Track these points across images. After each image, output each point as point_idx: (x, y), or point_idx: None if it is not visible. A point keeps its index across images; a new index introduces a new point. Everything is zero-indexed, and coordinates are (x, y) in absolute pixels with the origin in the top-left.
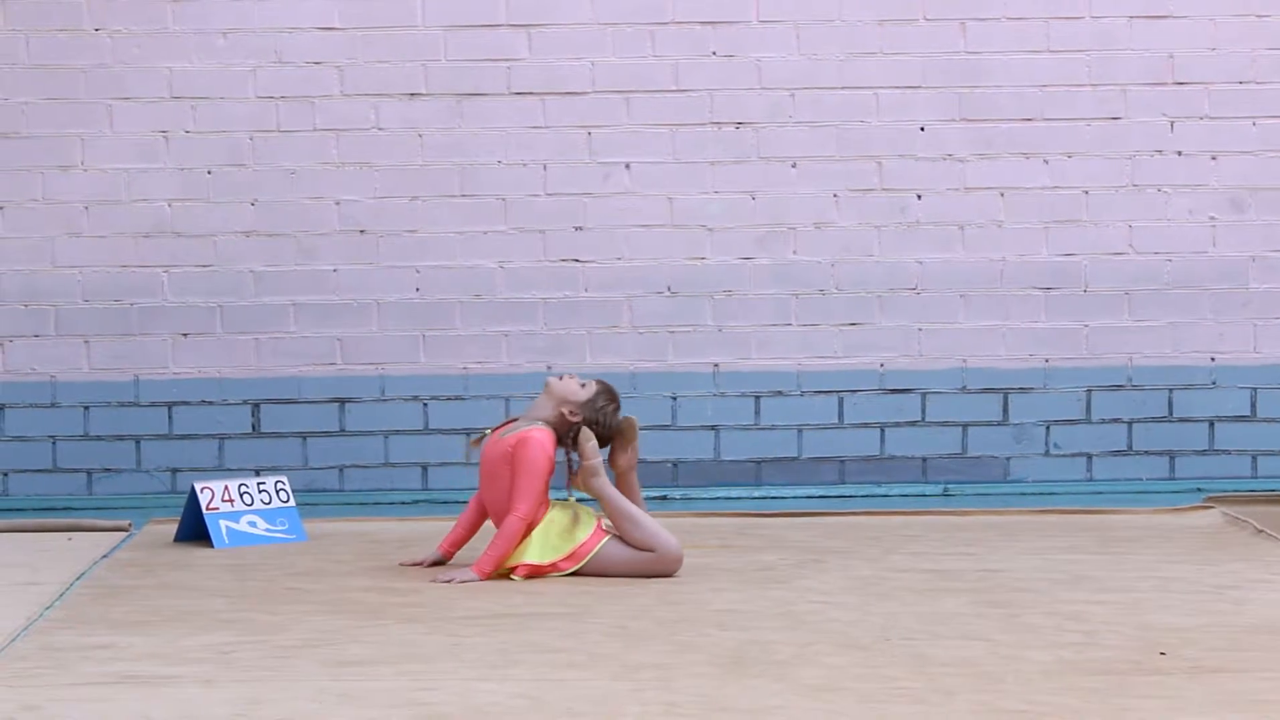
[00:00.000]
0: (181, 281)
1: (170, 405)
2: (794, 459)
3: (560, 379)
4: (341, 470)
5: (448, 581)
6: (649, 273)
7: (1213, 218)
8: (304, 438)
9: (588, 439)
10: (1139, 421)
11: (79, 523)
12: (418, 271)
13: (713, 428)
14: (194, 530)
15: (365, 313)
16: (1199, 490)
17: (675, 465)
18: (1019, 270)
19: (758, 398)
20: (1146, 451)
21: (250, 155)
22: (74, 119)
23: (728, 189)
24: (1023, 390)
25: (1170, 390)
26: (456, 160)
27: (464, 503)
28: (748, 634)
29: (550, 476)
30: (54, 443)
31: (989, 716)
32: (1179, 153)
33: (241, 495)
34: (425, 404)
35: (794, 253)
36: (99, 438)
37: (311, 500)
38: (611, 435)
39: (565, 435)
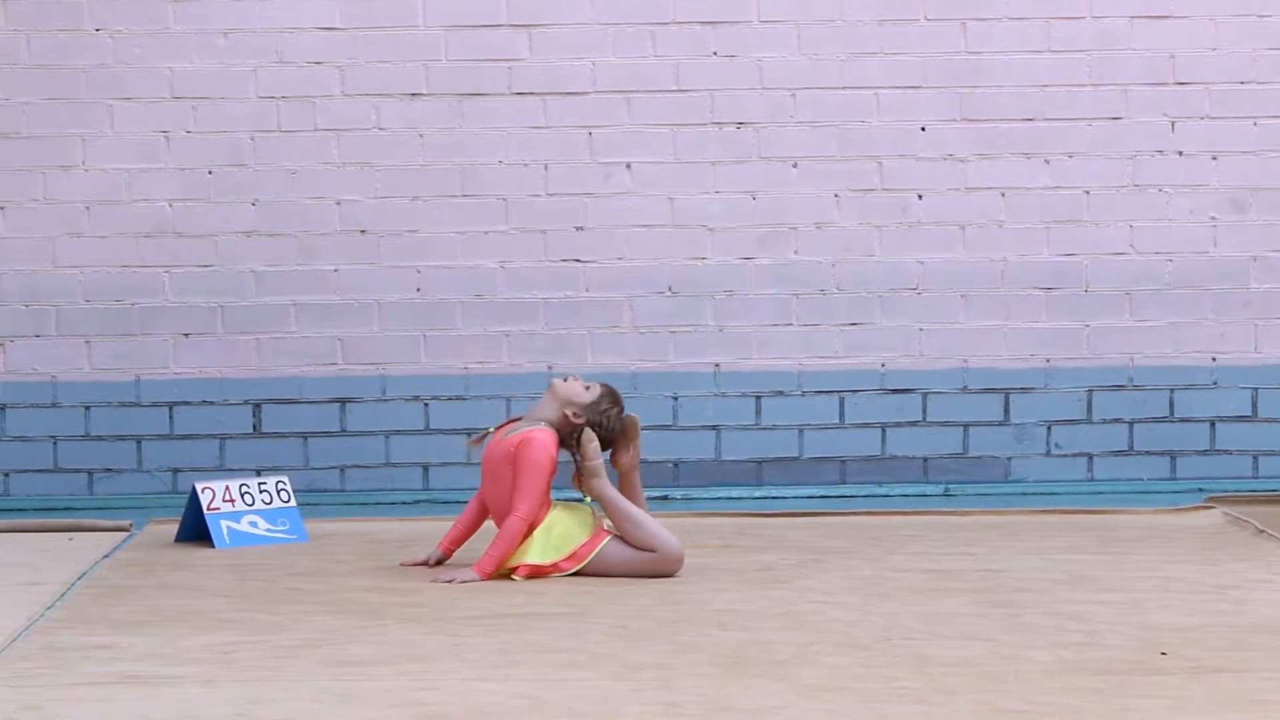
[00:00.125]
0: (182, 281)
1: (171, 405)
2: (795, 459)
3: (565, 380)
4: (342, 470)
5: (448, 581)
6: (650, 273)
7: (1214, 218)
8: (305, 438)
9: (590, 440)
10: (1140, 421)
11: (80, 523)
12: (419, 271)
13: (714, 428)
14: (195, 530)
15: (366, 313)
16: (1200, 490)
17: (676, 465)
18: (1020, 270)
19: (759, 398)
20: (1148, 451)
21: (251, 155)
22: (75, 119)
23: (729, 189)
24: (1024, 390)
25: (1171, 390)
26: (457, 160)
27: (465, 503)
28: (748, 634)
29: (552, 477)
30: (55, 443)
31: (990, 716)
32: (1180, 153)
33: (242, 495)
34: (426, 404)
35: (795, 253)
36: (100, 438)
37: (312, 500)
38: (614, 438)
39: (568, 436)
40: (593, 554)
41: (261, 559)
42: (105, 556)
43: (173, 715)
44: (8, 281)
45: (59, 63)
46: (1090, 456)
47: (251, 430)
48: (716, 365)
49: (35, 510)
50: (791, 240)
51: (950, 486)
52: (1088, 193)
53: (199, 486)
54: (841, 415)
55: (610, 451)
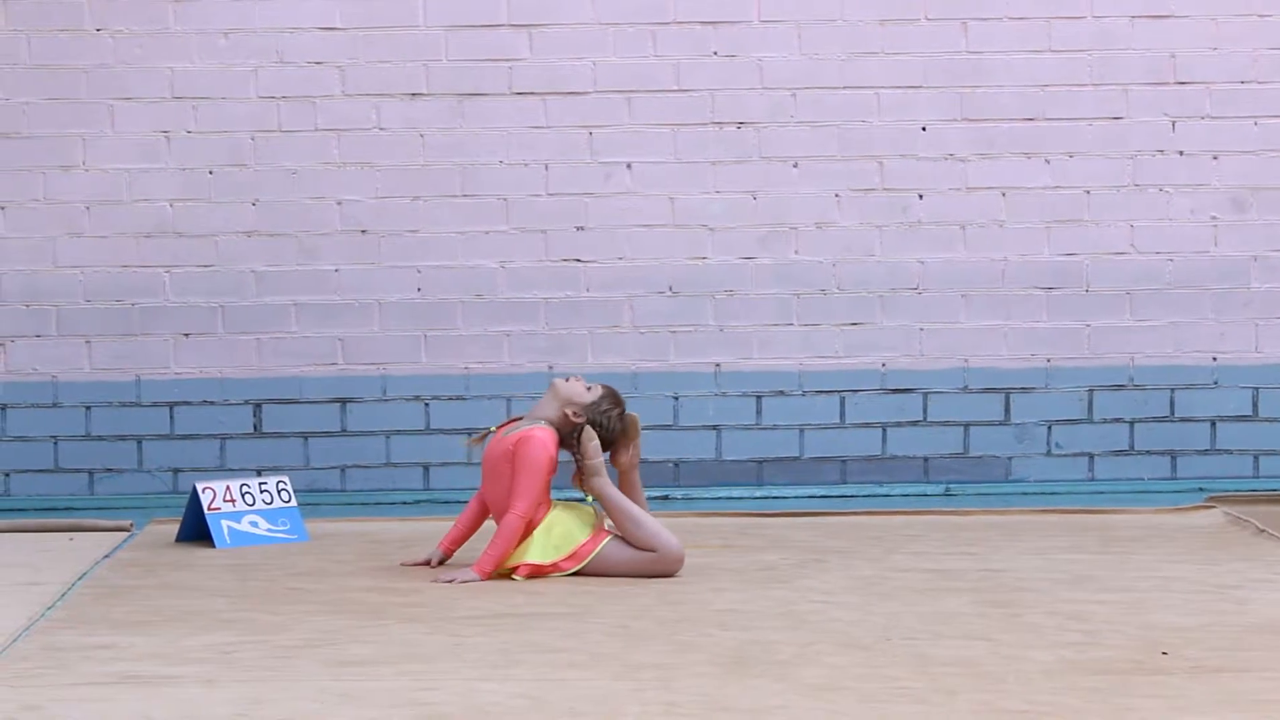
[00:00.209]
0: (183, 281)
1: (172, 405)
2: (795, 459)
3: (566, 380)
4: (343, 470)
5: (449, 581)
6: (650, 272)
7: (1214, 217)
8: (305, 438)
9: (590, 439)
10: (1141, 421)
11: (80, 523)
12: (419, 271)
13: (714, 427)
14: (195, 530)
15: (367, 313)
16: (1201, 490)
17: (677, 465)
18: (1020, 270)
19: (759, 397)
20: (1148, 451)
21: (251, 155)
22: (75, 119)
23: (729, 189)
24: (1024, 390)
25: (1172, 390)
26: (458, 160)
27: (465, 503)
28: (749, 634)
29: (551, 476)
30: (55, 443)
31: (990, 716)
32: (1180, 152)
33: (243, 495)
34: (427, 404)
35: (795, 252)
36: (100, 438)
37: (313, 500)
38: (614, 438)
39: (568, 436)
40: (593, 554)
41: (262, 559)
42: (106, 556)
43: (173, 715)
44: (8, 281)
45: (59, 63)
46: (1091, 456)
47: (252, 430)
48: (717, 365)
49: (36, 510)
50: (792, 240)
51: (951, 486)
52: (1088, 192)
53: (199, 486)
54: (842, 415)
55: (610, 451)
